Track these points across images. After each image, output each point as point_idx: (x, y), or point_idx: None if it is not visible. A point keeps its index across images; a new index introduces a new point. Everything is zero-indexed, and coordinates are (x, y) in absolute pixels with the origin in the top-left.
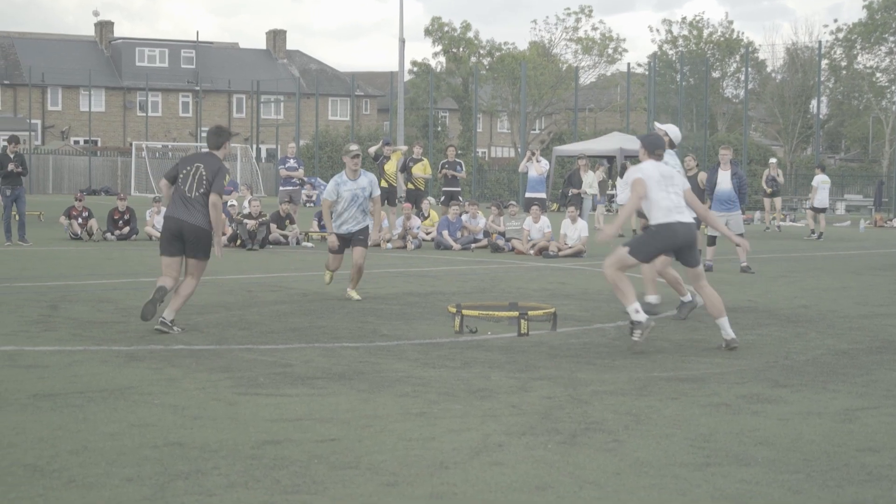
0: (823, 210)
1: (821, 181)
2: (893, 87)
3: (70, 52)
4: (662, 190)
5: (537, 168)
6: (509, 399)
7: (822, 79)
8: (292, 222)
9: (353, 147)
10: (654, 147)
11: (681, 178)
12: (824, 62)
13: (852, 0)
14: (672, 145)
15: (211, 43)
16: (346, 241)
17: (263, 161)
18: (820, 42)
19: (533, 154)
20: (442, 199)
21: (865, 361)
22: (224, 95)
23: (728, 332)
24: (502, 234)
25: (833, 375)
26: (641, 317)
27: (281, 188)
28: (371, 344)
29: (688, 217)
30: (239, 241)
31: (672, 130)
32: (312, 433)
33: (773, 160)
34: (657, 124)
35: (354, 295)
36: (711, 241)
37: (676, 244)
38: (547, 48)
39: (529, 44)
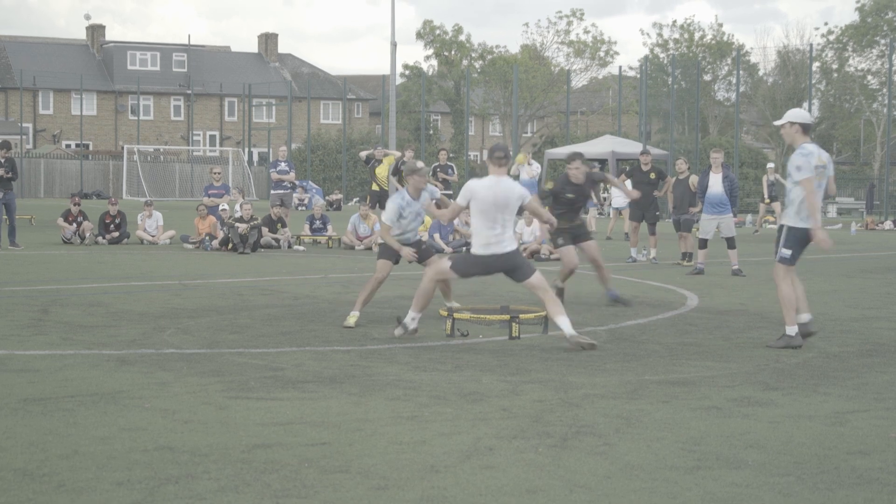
0: None
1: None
2: (884, 90)
3: (61, 55)
4: (488, 219)
5: (529, 171)
6: (500, 402)
7: (814, 81)
8: (284, 226)
9: (421, 164)
10: (491, 153)
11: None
12: (815, 65)
13: (844, 3)
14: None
15: (203, 46)
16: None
17: (255, 165)
18: (811, 45)
19: (525, 157)
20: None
21: (856, 364)
22: (216, 99)
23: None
24: None
25: (824, 378)
26: (414, 324)
27: (272, 192)
28: (362, 347)
29: (508, 247)
30: (230, 245)
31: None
32: (303, 437)
33: (770, 164)
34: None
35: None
36: (703, 244)
37: (493, 271)
38: (538, 51)
39: (521, 47)
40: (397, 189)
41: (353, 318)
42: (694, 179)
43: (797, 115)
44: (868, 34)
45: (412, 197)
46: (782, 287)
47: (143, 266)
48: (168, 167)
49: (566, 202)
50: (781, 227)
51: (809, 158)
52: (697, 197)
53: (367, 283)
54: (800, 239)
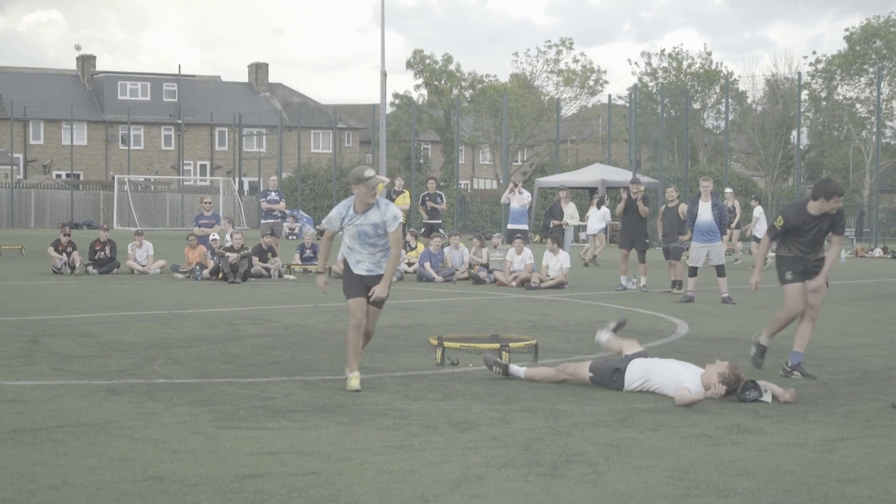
0: None
1: (761, 212)
2: (873, 118)
3: (52, 85)
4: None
5: (519, 200)
6: (490, 431)
7: (803, 110)
8: (274, 255)
9: (370, 172)
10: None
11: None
12: (804, 93)
13: (833, 31)
14: None
15: (193, 76)
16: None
17: (246, 194)
18: (799, 73)
19: (515, 186)
20: (423, 230)
21: (845, 392)
22: (206, 129)
23: None
24: (485, 266)
25: (813, 406)
26: None
27: (262, 221)
28: None
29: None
30: (221, 275)
31: None
32: (293, 467)
33: (728, 190)
34: None
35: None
36: (692, 272)
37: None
38: (528, 80)
39: (511, 76)
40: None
41: (355, 380)
42: (683, 208)
43: None
44: (856, 62)
45: (355, 210)
46: None
47: (134, 296)
48: (158, 197)
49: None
50: None
51: None
52: (687, 225)
53: (346, 333)
54: None
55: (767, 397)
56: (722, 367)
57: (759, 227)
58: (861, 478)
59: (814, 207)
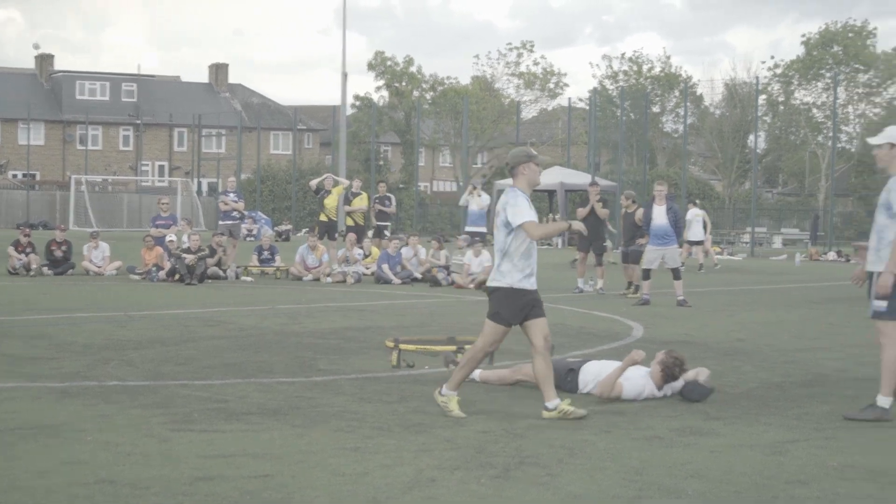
0: (699, 243)
1: (694, 215)
2: (829, 123)
3: (9, 84)
4: None
5: (478, 202)
6: (444, 433)
7: (760, 114)
8: (225, 253)
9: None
10: None
11: None
12: (762, 97)
13: (791, 36)
14: None
15: (152, 76)
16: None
17: (204, 195)
18: (757, 78)
19: (474, 188)
20: (372, 232)
21: (797, 394)
22: (165, 129)
23: None
24: (445, 268)
25: (765, 408)
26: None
27: (220, 222)
28: (308, 379)
29: None
30: (178, 276)
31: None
32: (245, 469)
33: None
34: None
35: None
36: (646, 274)
37: None
38: (489, 83)
39: (472, 78)
40: (346, 222)
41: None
42: (640, 213)
43: None
44: (813, 67)
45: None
46: (892, 350)
47: (89, 297)
48: (116, 198)
49: None
50: (871, 274)
51: None
52: (643, 229)
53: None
54: None
55: (703, 377)
56: (661, 356)
57: (694, 231)
58: (811, 479)
59: None
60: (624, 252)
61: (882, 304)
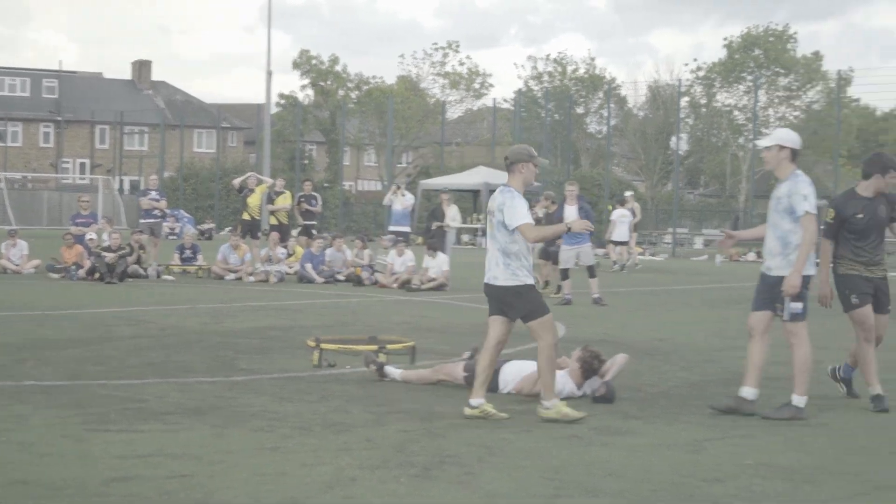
0: (624, 243)
1: (619, 215)
2: (750, 125)
3: None
4: None
5: (402, 202)
6: (364, 433)
7: (683, 116)
8: (143, 249)
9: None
10: None
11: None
12: (684, 100)
13: (714, 39)
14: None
15: (74, 72)
16: None
17: (126, 193)
18: (680, 80)
19: (398, 188)
20: (298, 231)
21: (715, 393)
22: (87, 126)
23: None
24: (370, 267)
25: (684, 407)
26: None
27: (141, 220)
28: (228, 378)
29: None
30: (98, 275)
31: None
32: (163, 469)
33: (628, 193)
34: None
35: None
36: (564, 274)
37: None
38: (414, 82)
39: (397, 78)
40: (269, 221)
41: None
42: None
43: (788, 138)
44: (735, 70)
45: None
46: (803, 349)
47: (6, 296)
48: (36, 195)
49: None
50: (765, 274)
51: (814, 189)
52: None
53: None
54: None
55: (619, 363)
56: (578, 353)
57: (619, 231)
58: (727, 477)
59: (866, 188)
60: (543, 250)
61: (798, 306)
